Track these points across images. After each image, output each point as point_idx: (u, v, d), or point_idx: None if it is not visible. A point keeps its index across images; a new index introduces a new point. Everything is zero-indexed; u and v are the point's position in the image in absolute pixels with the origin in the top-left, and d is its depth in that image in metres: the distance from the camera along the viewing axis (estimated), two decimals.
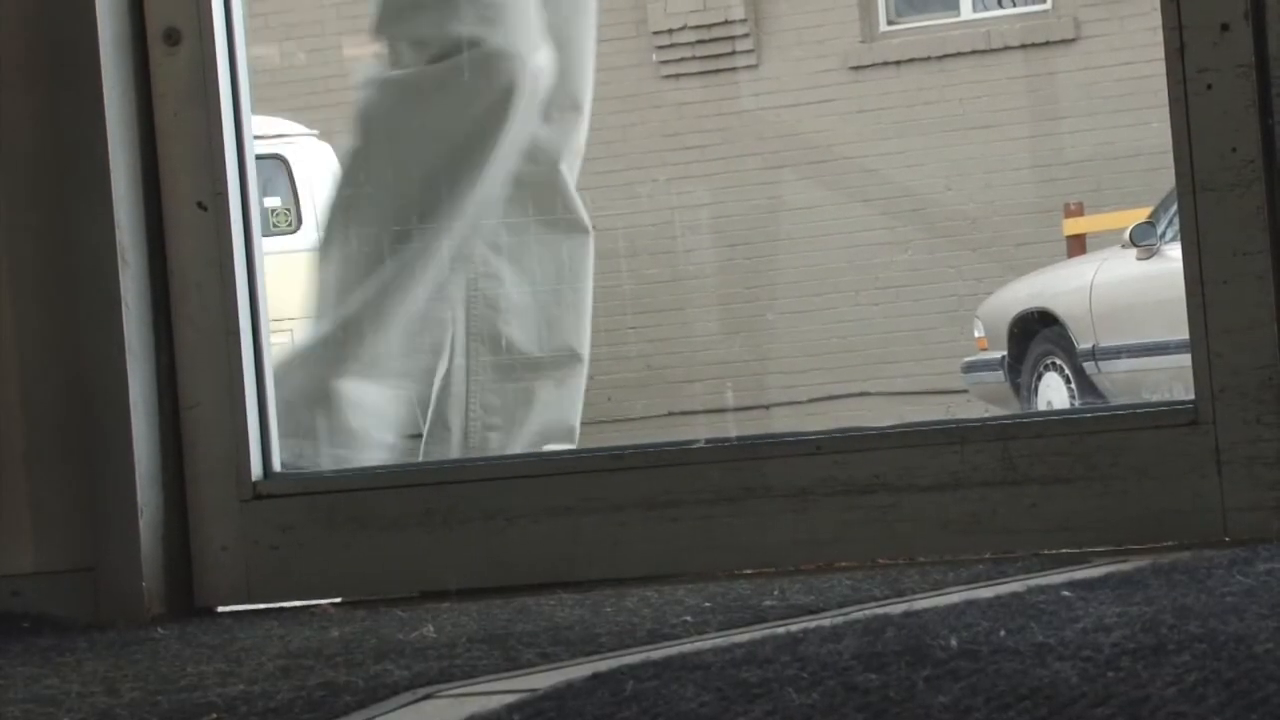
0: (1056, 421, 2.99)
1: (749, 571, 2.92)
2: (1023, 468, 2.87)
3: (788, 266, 13.20)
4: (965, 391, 11.52)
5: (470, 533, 3.05)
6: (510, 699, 1.85)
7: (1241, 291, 2.75)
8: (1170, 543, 2.75)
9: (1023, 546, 2.82)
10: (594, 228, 3.91)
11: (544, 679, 1.96)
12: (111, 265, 2.81)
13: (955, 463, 2.89)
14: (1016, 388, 11.04)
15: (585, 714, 1.74)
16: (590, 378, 4.09)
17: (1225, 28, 2.77)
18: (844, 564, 2.89)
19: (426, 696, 1.97)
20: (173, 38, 2.92)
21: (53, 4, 2.92)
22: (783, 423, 12.80)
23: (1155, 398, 10.21)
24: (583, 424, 3.89)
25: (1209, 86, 2.80)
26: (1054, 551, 2.80)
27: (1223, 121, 2.77)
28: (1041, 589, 2.29)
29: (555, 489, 3.06)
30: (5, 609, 2.79)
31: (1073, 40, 13.48)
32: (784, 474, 2.94)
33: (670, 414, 12.54)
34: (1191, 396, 2.81)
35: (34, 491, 3.03)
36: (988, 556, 2.81)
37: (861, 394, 12.88)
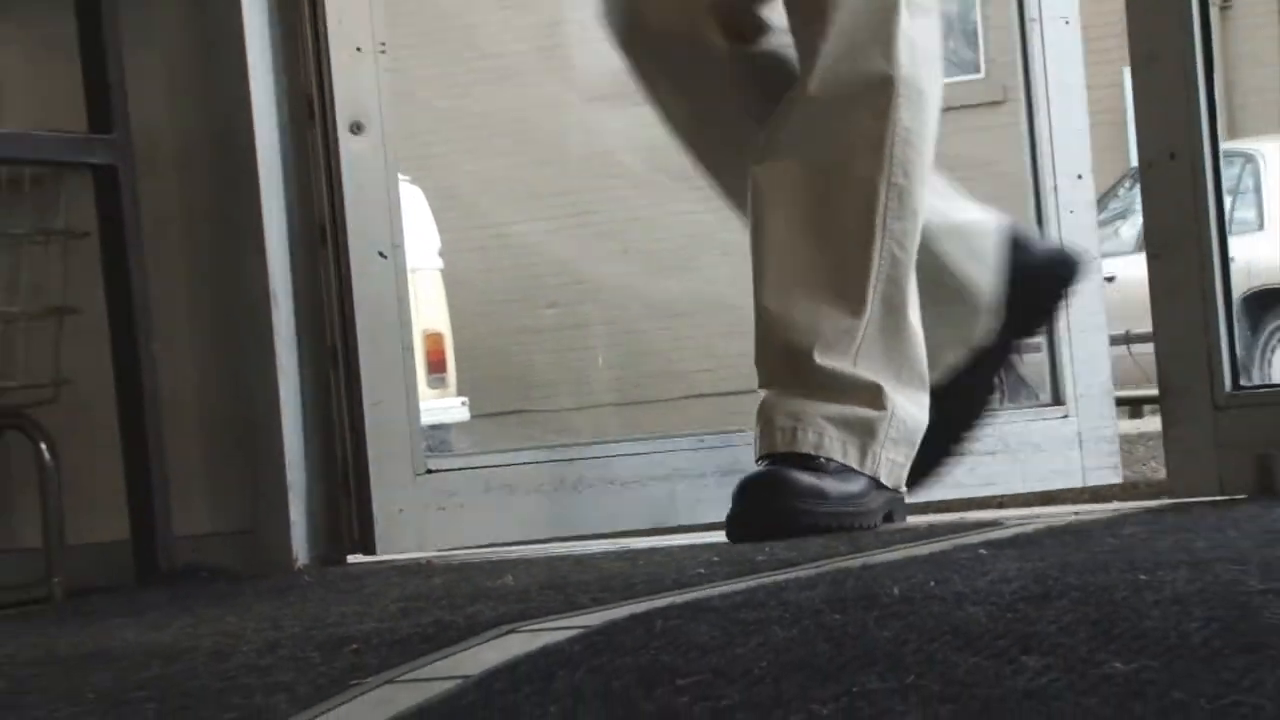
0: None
1: None
2: (1015, 439, 3.00)
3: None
4: None
5: (591, 495, 3.05)
6: (571, 633, 1.84)
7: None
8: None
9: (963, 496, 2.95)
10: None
11: (596, 618, 1.94)
12: (266, 304, 2.82)
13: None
14: None
15: (626, 645, 1.73)
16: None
17: None
18: None
19: (510, 631, 1.93)
20: (358, 129, 2.91)
21: (220, 111, 2.87)
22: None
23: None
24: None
25: None
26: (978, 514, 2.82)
27: None
28: (964, 548, 2.27)
29: (656, 463, 3.06)
30: (189, 562, 2.81)
31: (1002, 102, 13.49)
32: None
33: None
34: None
35: (209, 473, 3.00)
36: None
37: None
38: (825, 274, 2.59)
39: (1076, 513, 2.62)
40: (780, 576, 2.14)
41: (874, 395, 2.58)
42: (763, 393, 2.63)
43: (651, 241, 13.38)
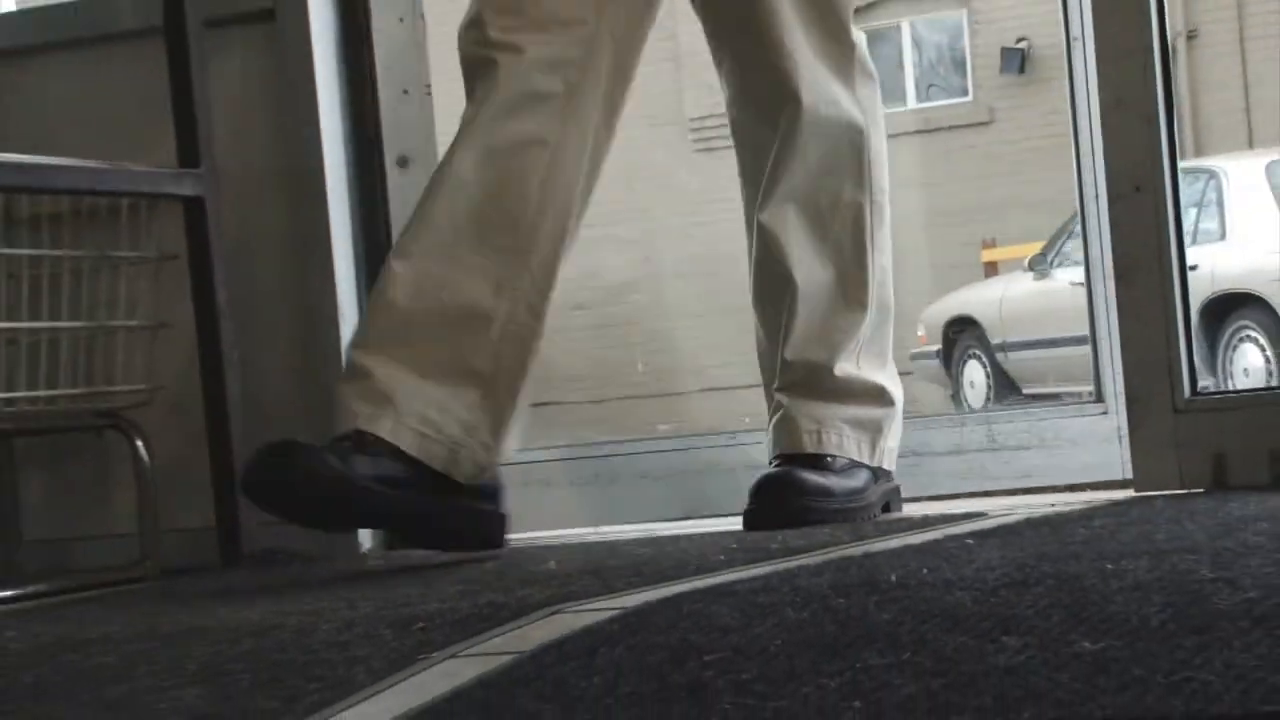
0: (1019, 412, 3.01)
1: None
2: (1000, 440, 2.87)
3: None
4: (912, 373, 11.48)
5: (627, 487, 3.03)
6: (609, 614, 1.83)
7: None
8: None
9: (1001, 488, 2.83)
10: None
11: (630, 600, 1.94)
12: (335, 316, 2.83)
13: (957, 437, 2.90)
14: (948, 372, 11.01)
15: (658, 625, 1.73)
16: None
17: None
18: None
19: (555, 612, 1.92)
20: (404, 163, 2.91)
21: (293, 146, 2.87)
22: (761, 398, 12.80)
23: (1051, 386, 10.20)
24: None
25: None
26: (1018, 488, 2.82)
27: None
28: (953, 537, 2.26)
29: (689, 458, 3.04)
30: (266, 547, 2.79)
31: (988, 122, 13.40)
32: None
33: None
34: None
35: None
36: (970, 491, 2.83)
37: None
38: (832, 291, 2.59)
39: (1053, 504, 2.59)
40: (792, 563, 2.13)
41: (879, 394, 2.61)
42: (778, 396, 2.62)
43: (670, 250, 13.36)
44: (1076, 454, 2.82)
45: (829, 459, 2.57)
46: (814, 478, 2.54)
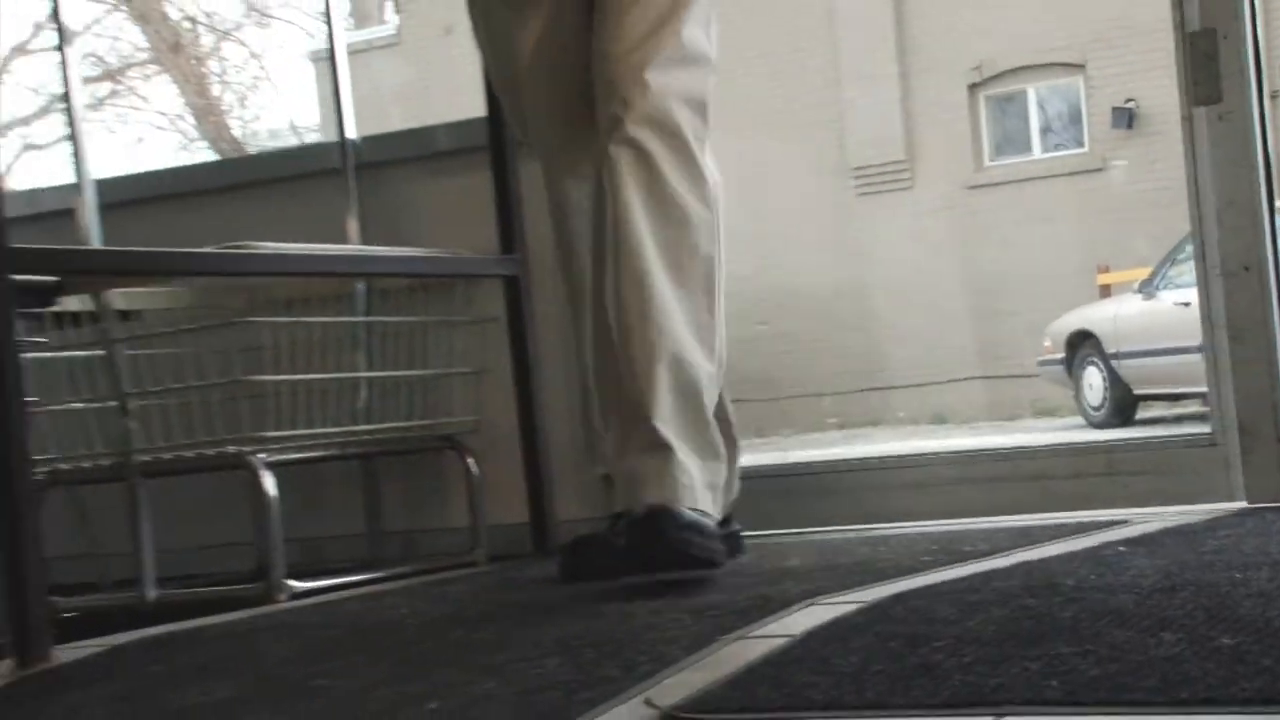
0: (1137, 441, 2.86)
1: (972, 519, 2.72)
2: (1118, 467, 2.75)
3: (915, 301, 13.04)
4: (1038, 376, 11.44)
5: (849, 496, 2.94)
6: (853, 607, 1.85)
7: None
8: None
9: (1115, 509, 2.63)
10: None
11: (867, 595, 1.93)
12: None
13: (1080, 464, 2.79)
14: (1070, 376, 10.94)
15: (894, 617, 1.76)
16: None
17: None
18: (1011, 516, 2.71)
19: (811, 604, 1.92)
20: None
21: None
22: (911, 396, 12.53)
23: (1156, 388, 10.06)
24: None
25: None
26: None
27: None
28: (1106, 544, 2.20)
29: (914, 474, 2.91)
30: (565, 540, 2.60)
31: (1101, 169, 13.23)
32: (1014, 467, 2.83)
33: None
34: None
35: (575, 478, 2.90)
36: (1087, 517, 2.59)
37: (968, 379, 12.78)
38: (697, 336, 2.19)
39: (1181, 512, 2.53)
40: (984, 566, 2.10)
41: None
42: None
43: (830, 275, 13.35)
44: (1186, 479, 2.68)
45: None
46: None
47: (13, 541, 2.08)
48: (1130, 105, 12.76)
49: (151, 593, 2.69)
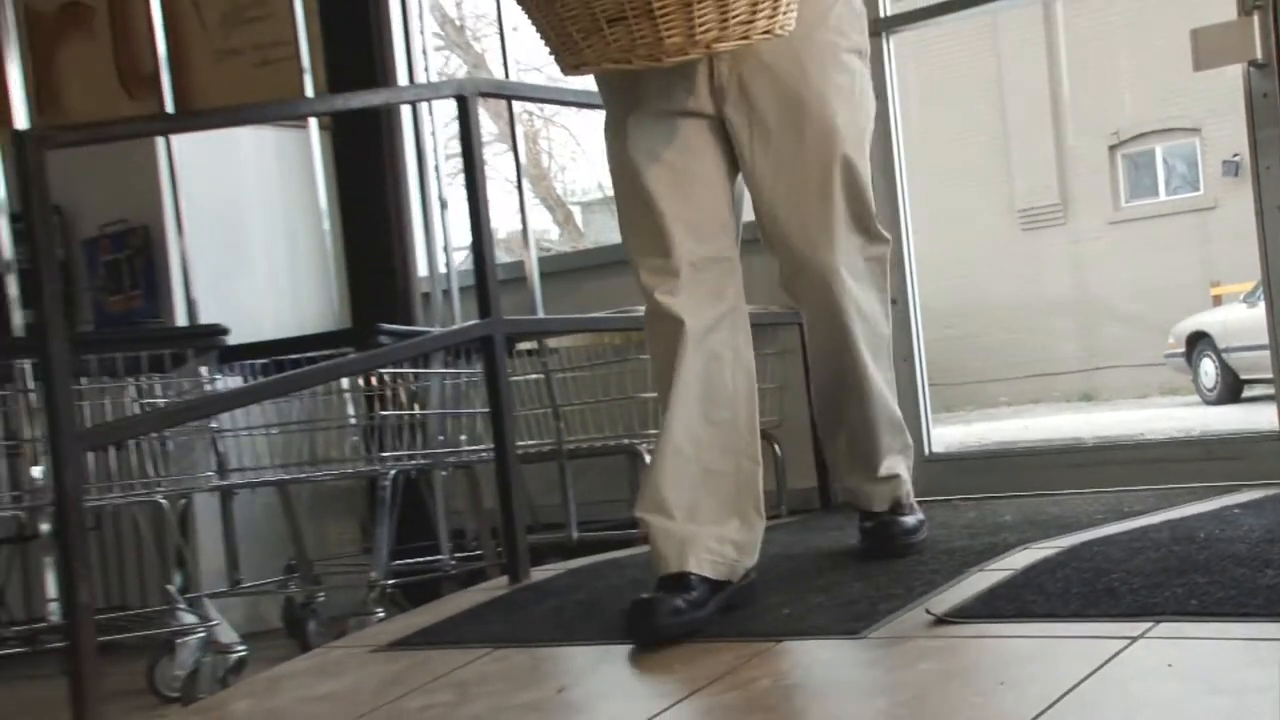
0: (1234, 436, 2.65)
1: (1118, 489, 2.56)
2: (1215, 452, 2.63)
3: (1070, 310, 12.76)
4: (1164, 365, 11.20)
5: (1025, 472, 2.76)
6: (1054, 550, 1.86)
7: None
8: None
9: (1210, 482, 2.46)
10: None
11: (1062, 542, 1.92)
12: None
13: (1191, 452, 2.66)
14: (1189, 366, 10.69)
15: (1083, 557, 1.79)
16: None
17: None
18: (1147, 487, 2.55)
19: (1025, 548, 1.91)
20: None
21: None
22: (1063, 381, 12.06)
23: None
24: None
25: None
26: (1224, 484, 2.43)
27: None
28: (1224, 507, 2.14)
29: (1075, 457, 2.74)
30: (845, 500, 2.21)
31: (1213, 208, 12.83)
32: (1141, 451, 2.71)
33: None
34: None
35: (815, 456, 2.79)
36: (1201, 485, 2.47)
37: (1110, 367, 12.51)
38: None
39: (1272, 483, 2.39)
40: (1141, 522, 2.07)
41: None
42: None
43: (1005, 288, 13.19)
44: (1267, 461, 2.48)
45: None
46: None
47: (504, 498, 2.35)
48: (1236, 158, 12.36)
49: (575, 534, 2.83)
